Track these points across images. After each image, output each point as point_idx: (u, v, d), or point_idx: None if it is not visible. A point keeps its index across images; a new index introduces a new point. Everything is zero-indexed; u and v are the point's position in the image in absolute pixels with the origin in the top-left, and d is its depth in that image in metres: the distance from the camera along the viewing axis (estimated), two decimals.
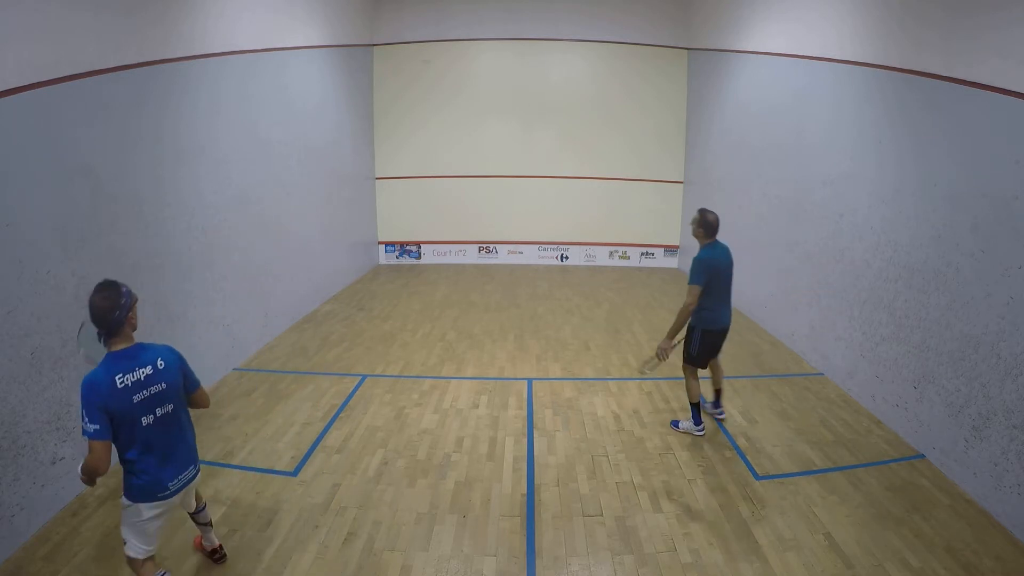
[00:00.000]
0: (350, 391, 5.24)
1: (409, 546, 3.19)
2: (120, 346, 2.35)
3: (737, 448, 4.27)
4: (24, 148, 3.25)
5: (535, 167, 11.17)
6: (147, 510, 2.46)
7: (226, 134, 5.59)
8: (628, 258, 11.43)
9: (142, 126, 4.35)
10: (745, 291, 7.84)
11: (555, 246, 11.48)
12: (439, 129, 11.06)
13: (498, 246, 11.52)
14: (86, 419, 2.22)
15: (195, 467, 2.66)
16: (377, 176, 11.21)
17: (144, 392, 2.35)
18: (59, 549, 3.10)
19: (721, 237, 4.32)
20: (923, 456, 4.17)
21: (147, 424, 2.37)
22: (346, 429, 4.51)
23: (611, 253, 11.41)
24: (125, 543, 2.51)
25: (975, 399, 3.72)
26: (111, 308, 2.29)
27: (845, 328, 5.37)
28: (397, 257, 11.56)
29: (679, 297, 8.87)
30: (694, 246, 4.36)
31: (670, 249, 11.34)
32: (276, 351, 6.27)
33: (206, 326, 5.23)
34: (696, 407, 4.44)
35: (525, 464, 4.04)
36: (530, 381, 5.53)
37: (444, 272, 10.70)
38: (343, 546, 3.18)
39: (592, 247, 11.41)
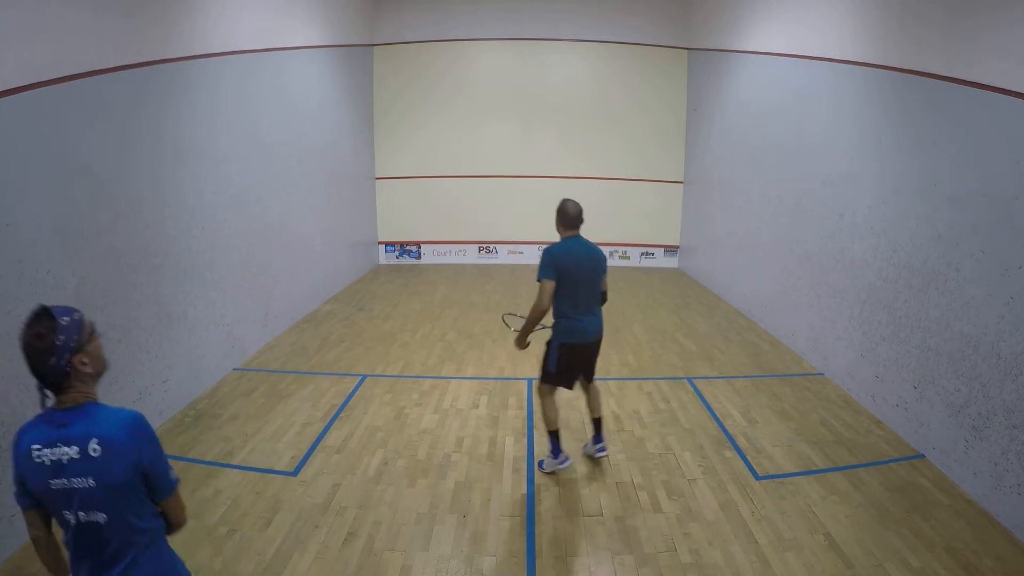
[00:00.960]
0: (350, 391, 5.23)
1: (409, 546, 3.19)
2: (66, 403, 1.60)
3: (737, 448, 4.27)
4: (24, 148, 3.25)
5: (535, 167, 11.17)
6: None
7: (226, 134, 5.59)
8: (628, 258, 11.43)
9: (142, 126, 4.35)
10: (745, 291, 7.85)
11: None
12: (439, 129, 11.07)
13: (498, 246, 11.52)
14: (13, 473, 1.60)
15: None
16: (377, 176, 11.22)
17: (63, 482, 1.54)
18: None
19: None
20: (923, 456, 4.17)
21: (72, 523, 1.58)
22: (346, 429, 4.51)
23: (611, 253, 11.40)
24: None
25: (975, 399, 3.72)
26: (45, 351, 1.61)
27: (845, 328, 5.37)
28: (397, 257, 11.56)
29: (679, 297, 8.89)
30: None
31: (670, 249, 11.33)
32: (276, 351, 6.27)
33: (206, 326, 5.23)
34: (554, 435, 3.75)
35: (525, 464, 4.04)
36: (530, 381, 5.52)
37: (444, 272, 10.70)
38: (343, 546, 3.18)
39: None
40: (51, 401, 1.61)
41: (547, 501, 3.61)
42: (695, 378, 5.63)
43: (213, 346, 5.36)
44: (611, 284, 4.03)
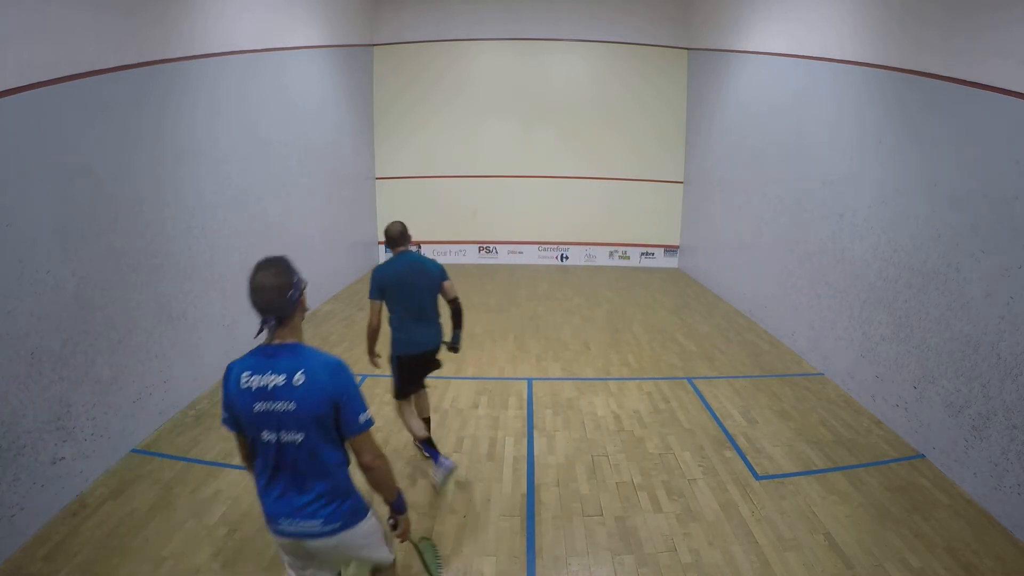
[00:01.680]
0: None
1: (409, 546, 3.18)
2: (277, 340, 1.87)
3: (737, 448, 4.27)
4: (24, 148, 3.25)
5: (535, 167, 11.17)
6: (273, 537, 2.03)
7: (226, 134, 5.59)
8: (628, 258, 11.43)
9: (142, 126, 4.35)
10: (745, 291, 7.86)
11: (555, 246, 11.48)
12: (439, 129, 11.07)
13: (498, 246, 11.52)
14: (222, 401, 1.96)
15: (327, 526, 1.94)
16: (377, 176, 11.22)
17: (267, 404, 1.84)
18: (59, 549, 3.10)
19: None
20: (923, 456, 4.17)
21: (272, 442, 1.87)
22: None
23: (611, 253, 11.41)
24: None
25: (975, 399, 3.72)
26: (285, 286, 1.83)
27: (845, 328, 5.37)
28: None
29: (679, 297, 8.89)
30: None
31: (670, 249, 11.33)
32: None
33: (206, 326, 5.23)
34: (427, 442, 3.75)
35: (525, 464, 4.04)
36: (530, 381, 5.52)
37: None
38: None
39: (592, 247, 11.41)
40: (263, 337, 1.89)
41: (547, 501, 3.61)
42: (695, 378, 5.63)
43: (213, 346, 5.36)
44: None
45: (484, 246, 11.53)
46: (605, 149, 11.10)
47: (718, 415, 4.81)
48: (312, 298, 8.36)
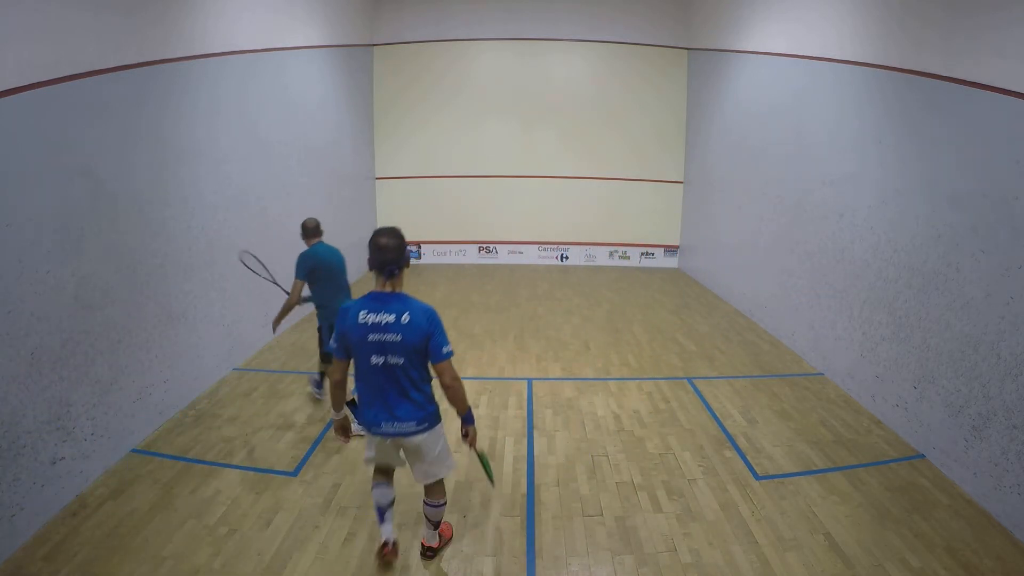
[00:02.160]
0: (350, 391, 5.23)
1: (409, 546, 3.19)
2: (388, 289, 2.60)
3: (737, 448, 4.27)
4: (24, 148, 3.25)
5: (535, 167, 11.18)
6: (369, 438, 2.80)
7: (226, 134, 5.59)
8: (628, 258, 11.43)
9: (142, 126, 4.35)
10: (745, 291, 7.86)
11: (555, 246, 11.48)
12: (439, 129, 11.07)
13: (498, 246, 11.52)
14: (334, 335, 2.63)
15: (419, 426, 2.70)
16: (377, 176, 11.22)
17: (379, 335, 2.54)
18: (59, 549, 3.10)
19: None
20: (923, 456, 4.17)
21: (380, 364, 2.58)
22: None
23: (611, 253, 11.41)
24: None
25: (975, 399, 3.72)
26: (403, 246, 2.64)
27: (845, 328, 5.37)
28: None
29: (679, 297, 8.90)
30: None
31: (670, 249, 11.33)
32: (276, 351, 6.27)
33: (206, 326, 5.23)
34: (352, 404, 3.45)
35: (525, 464, 4.04)
36: (530, 381, 5.53)
37: (444, 272, 10.70)
38: (343, 546, 3.18)
39: (592, 247, 11.41)
40: (375, 286, 2.63)
41: (547, 501, 3.61)
42: (695, 378, 5.63)
43: (213, 346, 5.36)
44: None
45: (484, 246, 11.53)
46: (605, 149, 11.10)
47: (718, 415, 4.81)
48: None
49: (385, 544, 2.95)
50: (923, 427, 4.22)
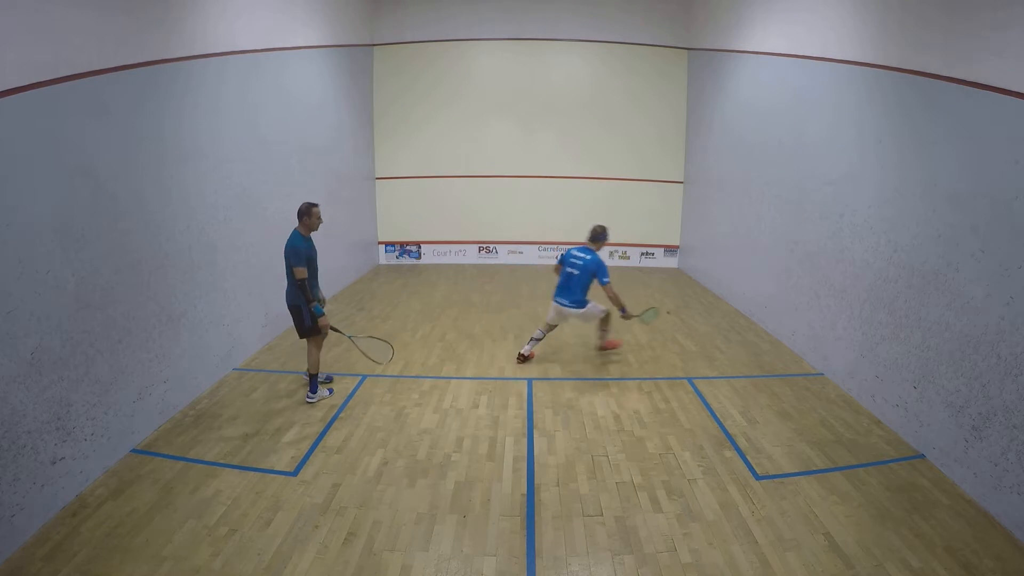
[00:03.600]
0: (350, 391, 5.24)
1: (409, 546, 3.19)
2: (585, 244, 5.85)
3: (737, 448, 4.27)
4: (24, 148, 3.25)
5: (535, 167, 11.17)
6: (553, 304, 5.88)
7: (227, 134, 5.59)
8: (628, 258, 11.43)
9: (143, 126, 4.35)
10: (745, 291, 7.86)
11: (555, 246, 11.48)
12: (439, 129, 11.07)
13: (498, 246, 11.52)
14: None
15: (576, 306, 5.76)
16: (377, 176, 11.22)
17: (575, 260, 5.75)
18: (59, 549, 3.10)
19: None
20: (923, 456, 4.17)
21: (569, 272, 5.76)
22: (346, 429, 4.51)
23: (611, 253, 11.40)
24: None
25: (975, 399, 3.72)
26: (605, 231, 5.90)
27: (845, 328, 5.37)
28: (397, 257, 11.56)
29: (679, 297, 8.89)
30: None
31: (670, 249, 11.33)
32: (276, 351, 6.27)
33: (207, 326, 5.23)
34: (314, 378, 4.98)
35: (525, 464, 4.04)
36: (530, 381, 5.53)
37: (444, 272, 10.70)
38: (343, 546, 3.18)
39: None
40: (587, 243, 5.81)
41: (547, 501, 3.61)
42: (695, 378, 5.63)
43: (213, 346, 5.36)
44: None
45: (484, 246, 11.53)
46: (605, 149, 11.10)
47: (718, 415, 4.81)
48: None
49: (522, 355, 5.97)
50: (923, 427, 4.22)
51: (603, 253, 5.98)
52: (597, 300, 5.97)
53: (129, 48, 4.18)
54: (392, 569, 3.01)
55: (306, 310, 4.77)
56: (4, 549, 3.04)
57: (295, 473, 3.89)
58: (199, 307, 5.10)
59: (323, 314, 4.79)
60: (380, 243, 11.50)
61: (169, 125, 4.68)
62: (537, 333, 6.04)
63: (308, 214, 4.81)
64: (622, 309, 5.72)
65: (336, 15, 8.80)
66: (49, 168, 3.43)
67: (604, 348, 6.21)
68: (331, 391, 5.17)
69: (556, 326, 6.11)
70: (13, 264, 3.16)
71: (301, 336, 4.93)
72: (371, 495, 3.65)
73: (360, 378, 5.54)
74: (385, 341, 5.14)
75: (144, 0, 4.35)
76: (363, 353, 5.05)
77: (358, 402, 5.02)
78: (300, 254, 4.66)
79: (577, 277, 5.64)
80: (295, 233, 4.77)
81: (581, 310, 5.71)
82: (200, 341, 5.12)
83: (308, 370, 4.98)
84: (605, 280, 5.50)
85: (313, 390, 4.99)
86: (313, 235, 4.95)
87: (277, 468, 3.95)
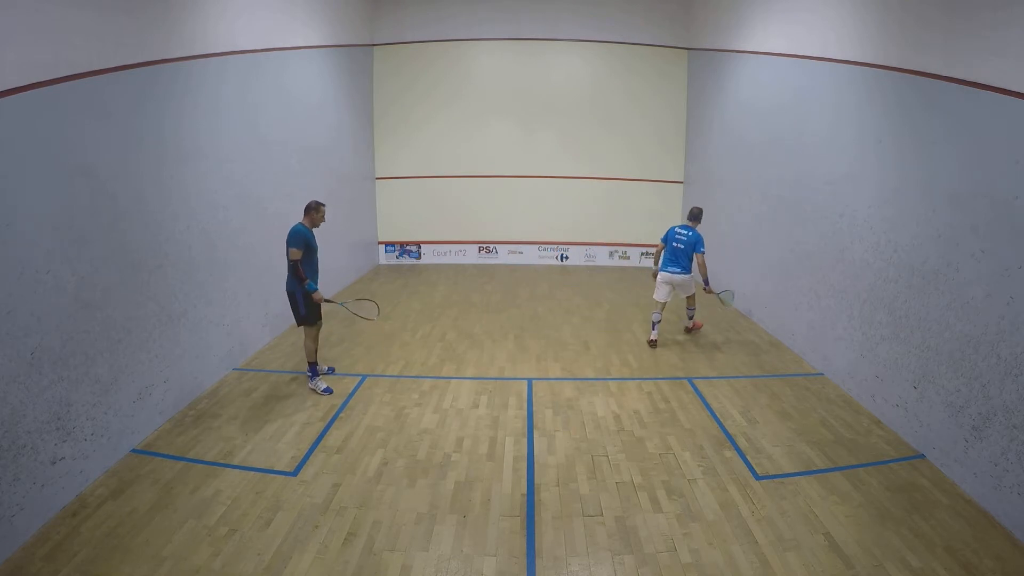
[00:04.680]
0: (350, 391, 5.24)
1: (409, 546, 3.19)
2: (687, 224, 6.56)
3: (737, 448, 4.27)
4: (24, 148, 3.25)
5: (535, 167, 11.18)
6: (662, 276, 6.53)
7: (227, 134, 5.59)
8: (628, 258, 11.43)
9: (143, 126, 4.35)
10: (745, 291, 7.85)
11: (555, 246, 11.48)
12: (439, 129, 11.07)
13: (498, 246, 11.52)
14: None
15: (682, 273, 6.49)
16: (377, 176, 11.22)
17: (680, 236, 6.45)
18: (59, 549, 3.10)
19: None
20: (923, 456, 4.17)
21: (676, 247, 6.48)
22: (346, 429, 4.51)
23: (611, 253, 11.41)
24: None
25: (975, 399, 3.72)
26: (701, 213, 6.67)
27: (845, 328, 5.37)
28: (397, 257, 11.57)
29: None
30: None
31: None
32: (276, 351, 6.27)
33: (207, 326, 5.23)
34: (313, 365, 5.20)
35: (525, 464, 4.04)
36: (530, 381, 5.53)
37: (444, 272, 10.70)
38: (343, 546, 3.18)
39: (592, 247, 11.41)
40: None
41: (547, 501, 3.61)
42: (695, 378, 5.63)
43: (213, 346, 5.36)
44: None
45: (484, 246, 11.53)
46: (605, 149, 11.10)
47: (718, 415, 4.81)
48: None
49: (652, 341, 6.57)
50: (923, 427, 4.22)
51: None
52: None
53: (129, 48, 4.17)
54: (392, 569, 3.01)
55: (300, 296, 4.96)
56: (4, 549, 3.04)
57: (295, 473, 3.89)
58: (199, 307, 5.10)
59: (316, 289, 4.97)
60: (380, 243, 11.50)
61: (169, 125, 4.68)
62: (654, 316, 6.58)
63: (316, 210, 5.04)
64: (706, 281, 6.59)
65: (336, 15, 8.80)
66: (49, 168, 3.43)
67: (691, 329, 7.00)
68: (329, 390, 5.17)
69: (666, 303, 6.65)
70: (13, 264, 3.16)
71: (298, 324, 5.13)
72: (371, 495, 3.65)
73: (360, 378, 5.54)
74: (372, 300, 6.02)
75: (144, 0, 4.35)
76: (354, 313, 5.55)
77: (358, 402, 5.02)
78: (300, 238, 4.88)
79: (683, 250, 6.43)
80: (298, 223, 4.99)
81: (688, 275, 6.52)
82: (200, 341, 5.12)
83: (307, 358, 5.19)
84: (702, 249, 6.39)
85: (313, 375, 5.18)
86: (315, 232, 5.04)
87: (277, 468, 3.95)
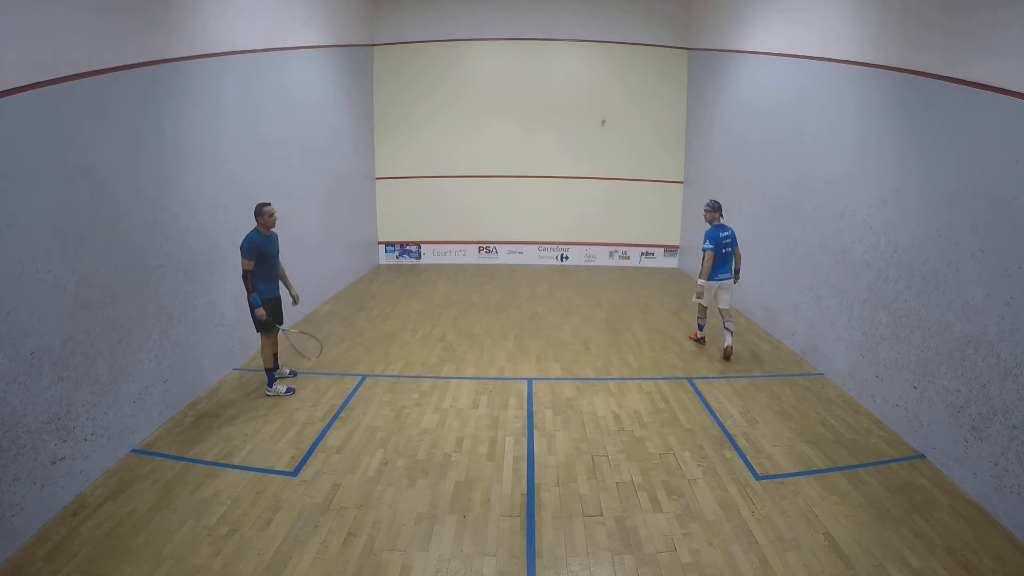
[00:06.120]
0: (350, 391, 5.24)
1: (409, 546, 3.19)
2: (721, 221, 6.23)
3: (737, 448, 4.27)
4: (24, 148, 3.25)
5: (535, 167, 11.18)
6: (719, 284, 6.19)
7: (227, 134, 5.59)
8: (628, 258, 11.43)
9: (143, 126, 4.35)
10: (745, 291, 7.85)
11: (555, 246, 11.49)
12: (439, 129, 11.07)
13: (498, 246, 11.52)
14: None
15: (731, 278, 6.26)
16: (377, 176, 11.22)
17: (727, 239, 6.09)
18: (59, 549, 3.10)
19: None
20: (923, 456, 4.17)
21: (725, 253, 6.12)
22: (346, 429, 4.51)
23: (611, 253, 11.41)
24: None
25: (975, 399, 3.72)
26: (720, 206, 6.23)
27: (845, 328, 5.37)
28: (397, 257, 11.57)
29: (679, 297, 8.90)
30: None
31: (670, 249, 11.34)
32: None
33: (207, 326, 5.23)
34: (271, 372, 5.10)
35: (525, 464, 4.04)
36: (530, 381, 5.53)
37: (444, 272, 10.70)
38: (343, 546, 3.18)
39: (592, 247, 11.42)
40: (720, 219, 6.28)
41: (547, 501, 3.61)
42: (695, 378, 5.63)
43: (213, 346, 5.36)
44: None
45: (484, 246, 11.53)
46: (605, 149, 11.11)
47: (718, 415, 4.81)
48: (312, 298, 8.37)
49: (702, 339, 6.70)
50: (923, 427, 4.22)
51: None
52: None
53: (129, 48, 4.17)
54: (392, 569, 3.01)
55: (254, 308, 4.86)
56: (4, 549, 3.04)
57: (295, 473, 3.89)
58: (199, 307, 5.10)
59: (259, 305, 4.84)
60: (380, 243, 11.50)
61: (169, 125, 4.68)
62: (702, 321, 6.62)
63: (260, 213, 4.88)
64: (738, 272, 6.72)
65: (336, 15, 8.80)
66: (49, 168, 3.43)
67: (700, 339, 6.78)
68: (291, 389, 5.17)
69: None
70: (13, 264, 3.16)
71: (256, 330, 5.04)
72: (371, 495, 3.65)
73: (360, 378, 5.55)
74: (314, 337, 5.71)
75: (144, 0, 4.35)
76: (291, 344, 5.41)
77: (358, 402, 5.02)
78: (252, 249, 4.75)
79: (731, 252, 6.19)
80: (252, 231, 4.86)
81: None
82: (200, 341, 5.12)
83: (264, 364, 5.10)
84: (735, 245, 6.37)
85: (270, 384, 5.10)
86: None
87: (277, 468, 3.95)
